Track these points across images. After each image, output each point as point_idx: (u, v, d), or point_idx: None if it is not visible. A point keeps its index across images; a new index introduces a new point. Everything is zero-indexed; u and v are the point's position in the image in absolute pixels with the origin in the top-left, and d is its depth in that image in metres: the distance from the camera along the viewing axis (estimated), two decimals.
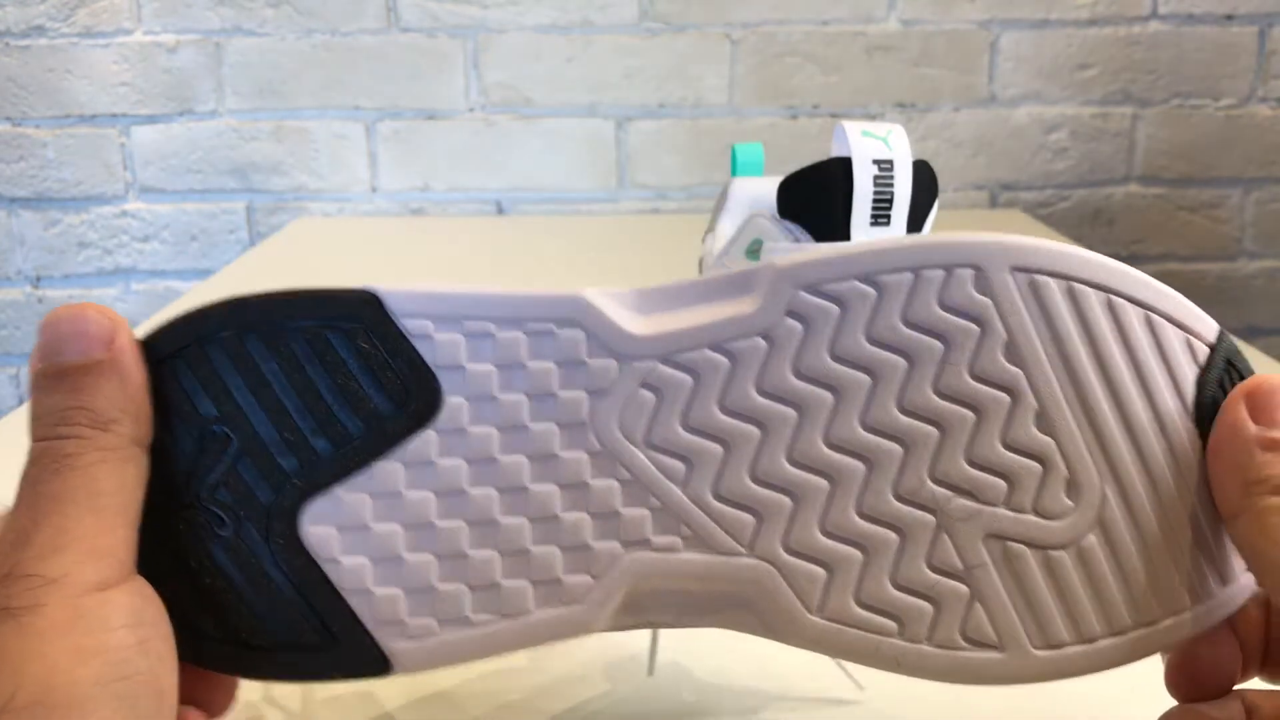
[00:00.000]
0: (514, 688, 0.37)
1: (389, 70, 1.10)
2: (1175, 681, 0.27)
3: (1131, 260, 1.16)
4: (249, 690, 0.37)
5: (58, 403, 0.24)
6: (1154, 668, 0.28)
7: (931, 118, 1.12)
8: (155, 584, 0.24)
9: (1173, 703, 0.27)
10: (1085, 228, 1.14)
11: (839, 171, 0.43)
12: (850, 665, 0.36)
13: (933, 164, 0.45)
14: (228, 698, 0.27)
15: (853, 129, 0.44)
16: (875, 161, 0.43)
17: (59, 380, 0.24)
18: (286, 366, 0.25)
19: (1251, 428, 0.25)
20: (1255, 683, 0.27)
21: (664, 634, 0.38)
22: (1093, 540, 0.25)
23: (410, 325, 0.25)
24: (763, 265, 0.26)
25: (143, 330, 0.25)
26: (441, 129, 1.11)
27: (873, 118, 1.11)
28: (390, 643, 0.25)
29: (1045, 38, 1.10)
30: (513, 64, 1.10)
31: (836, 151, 0.46)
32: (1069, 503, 0.25)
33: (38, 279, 1.15)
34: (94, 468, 0.23)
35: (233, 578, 0.25)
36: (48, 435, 0.24)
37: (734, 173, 0.54)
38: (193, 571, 0.25)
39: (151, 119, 1.11)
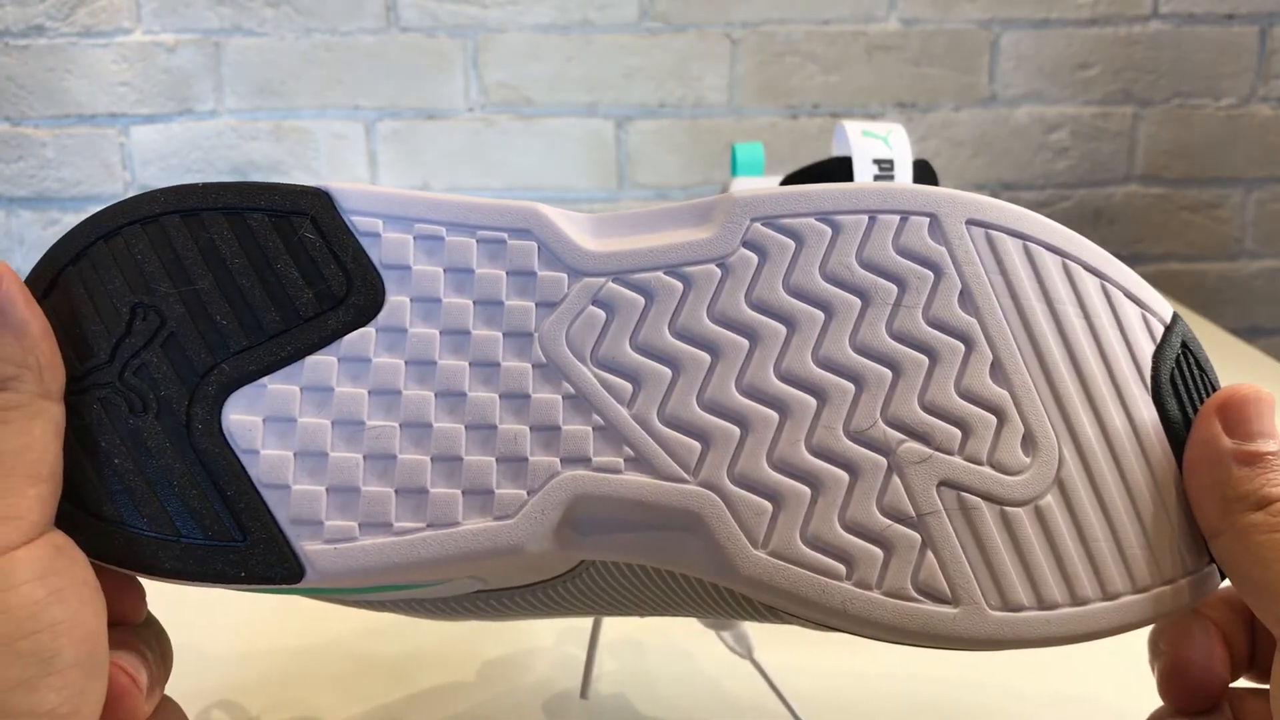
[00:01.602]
0: (447, 712, 0.37)
1: (388, 70, 1.10)
2: (1170, 691, 0.27)
3: (1132, 260, 1.17)
4: None
5: None
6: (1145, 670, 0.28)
7: (932, 117, 1.11)
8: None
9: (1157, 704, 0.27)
10: (1086, 228, 1.14)
11: (840, 171, 0.43)
12: (791, 698, 0.36)
13: (933, 164, 0.45)
14: (139, 603, 0.26)
15: (853, 129, 0.44)
16: (876, 161, 0.43)
17: None
18: (227, 251, 0.25)
19: (1227, 443, 0.24)
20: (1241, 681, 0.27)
21: (598, 658, 0.38)
22: (1051, 501, 0.25)
23: (358, 222, 0.25)
24: (721, 196, 0.26)
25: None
26: (441, 129, 1.11)
27: (873, 117, 1.11)
28: (305, 544, 0.24)
29: (1046, 37, 1.10)
30: (513, 64, 1.10)
31: (837, 151, 0.46)
32: (1025, 459, 0.25)
33: None
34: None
35: (143, 463, 0.24)
36: None
37: (734, 172, 0.54)
38: (101, 454, 0.24)
39: (151, 119, 1.11)
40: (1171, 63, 1.11)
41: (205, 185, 0.25)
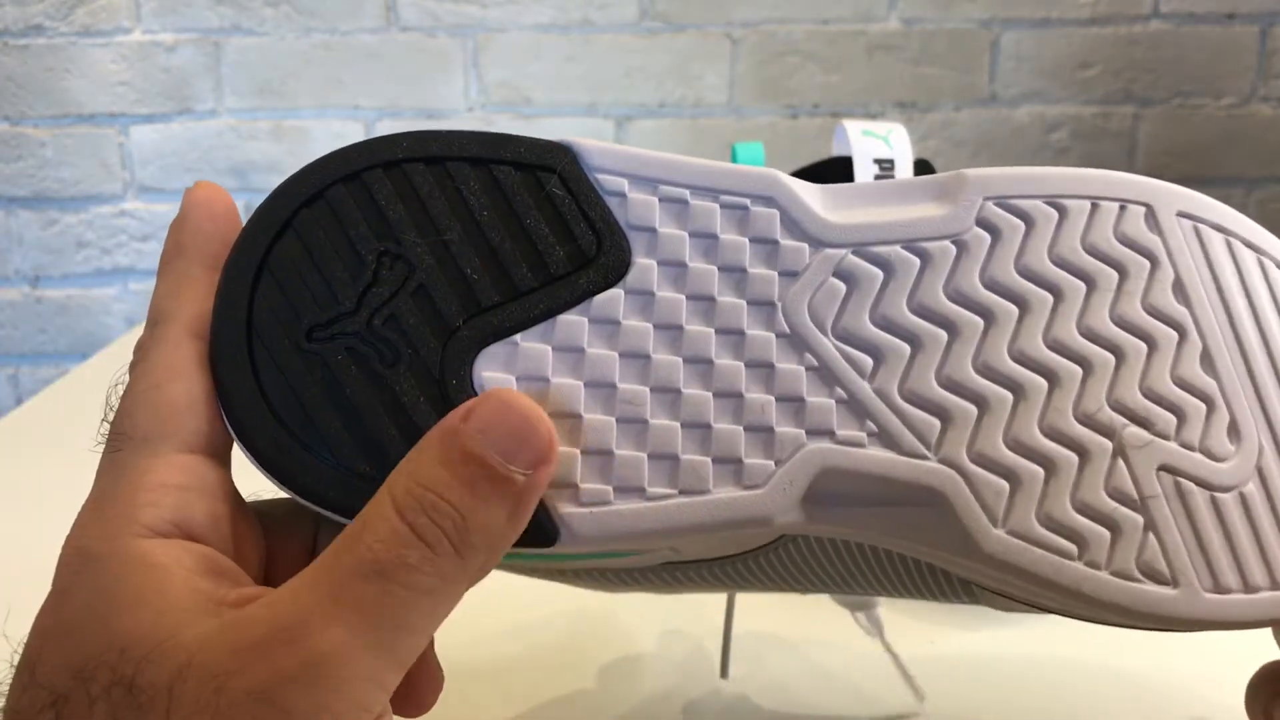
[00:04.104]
0: (582, 683, 0.37)
1: (388, 69, 1.10)
2: None
3: None
4: None
5: (441, 485, 0.21)
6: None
7: (932, 117, 1.11)
8: (304, 423, 0.23)
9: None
10: None
11: (840, 170, 0.43)
12: (914, 673, 0.36)
13: (934, 163, 0.45)
14: (432, 690, 0.25)
15: (854, 128, 0.44)
16: (876, 160, 0.43)
17: (464, 471, 0.21)
18: (475, 204, 0.24)
19: None
20: None
21: (734, 640, 0.38)
22: (1253, 489, 0.26)
23: (604, 180, 0.25)
24: (951, 175, 0.26)
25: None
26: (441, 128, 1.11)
27: (874, 117, 1.11)
28: (560, 507, 0.24)
29: (1046, 37, 1.10)
30: (513, 63, 1.10)
31: (838, 150, 0.46)
32: (1231, 447, 0.26)
33: (36, 279, 1.15)
34: (425, 599, 0.20)
35: (396, 418, 0.23)
36: (409, 519, 0.21)
37: None
38: (352, 406, 0.23)
39: (150, 118, 1.11)
40: (1171, 63, 1.11)
41: (449, 133, 0.25)
